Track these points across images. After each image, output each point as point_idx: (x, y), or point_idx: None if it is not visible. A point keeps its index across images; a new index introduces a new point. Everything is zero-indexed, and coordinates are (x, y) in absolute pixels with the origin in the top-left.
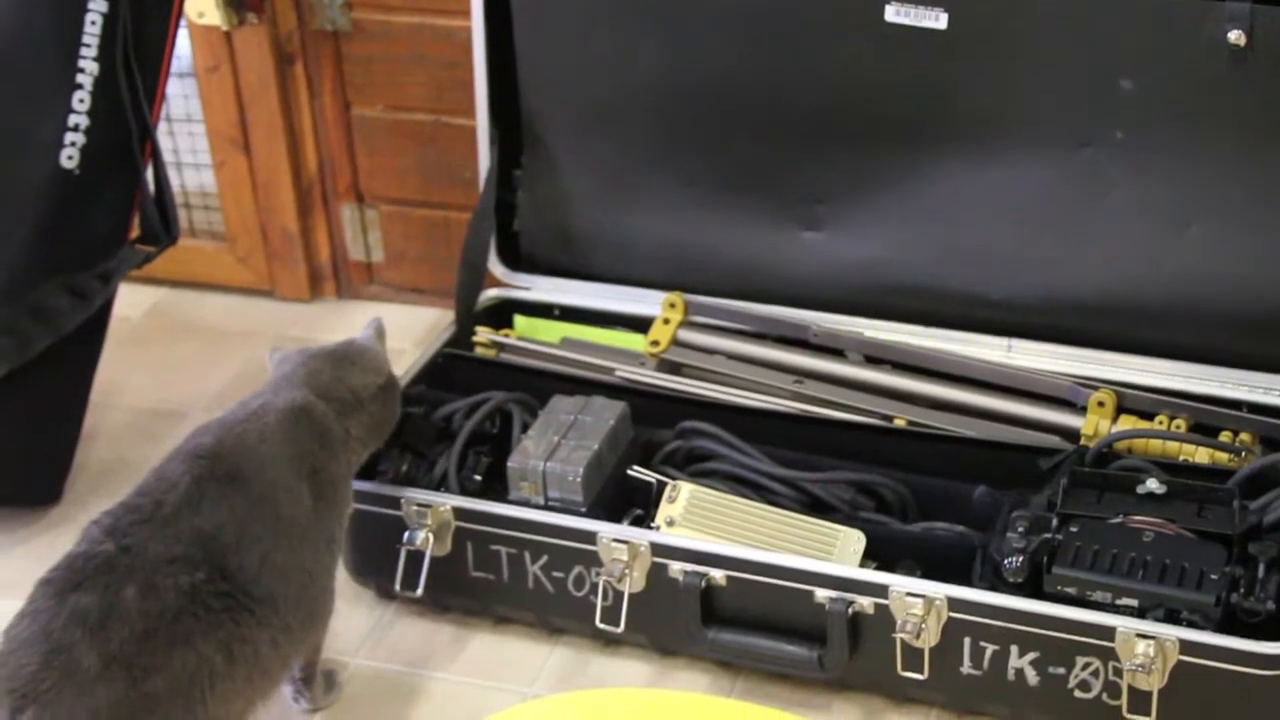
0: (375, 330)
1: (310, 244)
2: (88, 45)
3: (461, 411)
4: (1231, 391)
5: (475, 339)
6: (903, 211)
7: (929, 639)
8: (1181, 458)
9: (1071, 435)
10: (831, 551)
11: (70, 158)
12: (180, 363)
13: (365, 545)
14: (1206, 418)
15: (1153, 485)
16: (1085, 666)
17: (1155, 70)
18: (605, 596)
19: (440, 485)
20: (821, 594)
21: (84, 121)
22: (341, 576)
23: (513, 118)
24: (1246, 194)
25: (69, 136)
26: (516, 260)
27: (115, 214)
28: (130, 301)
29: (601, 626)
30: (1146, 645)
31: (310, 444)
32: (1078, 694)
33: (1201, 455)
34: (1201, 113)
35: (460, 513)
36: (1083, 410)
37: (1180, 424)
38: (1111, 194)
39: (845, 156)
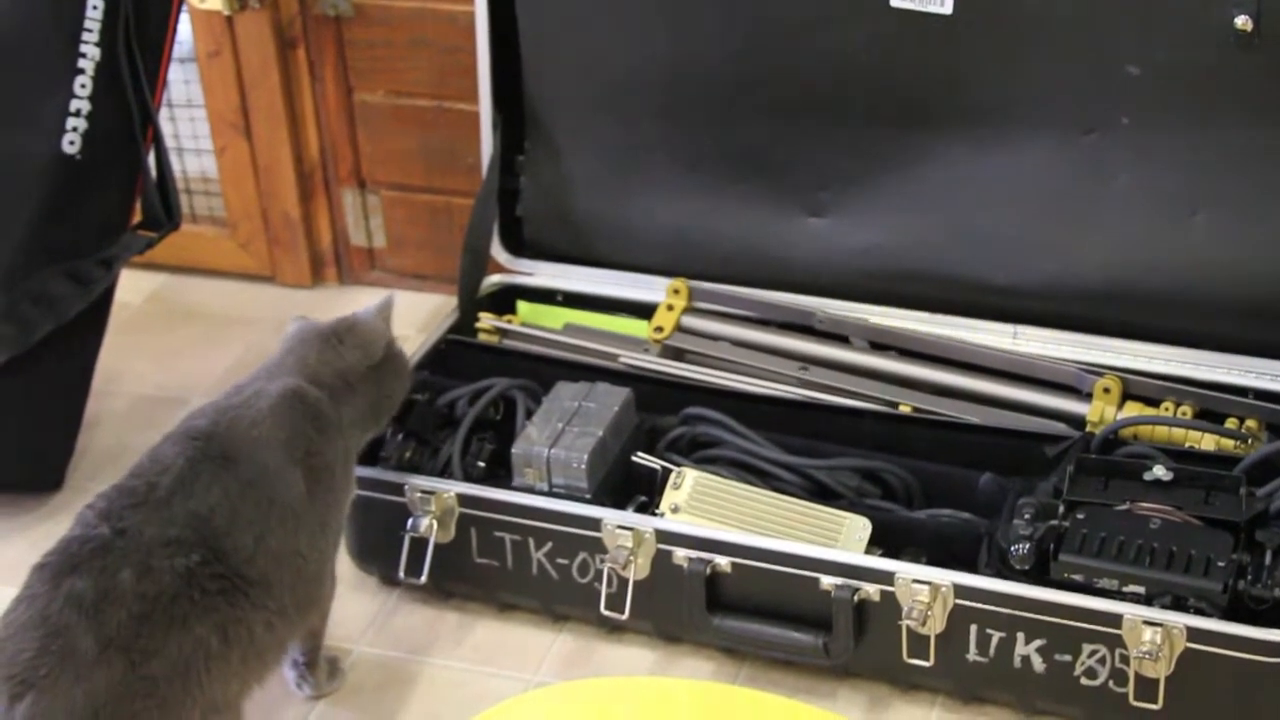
0: (379, 306)
1: (312, 230)
2: (89, 30)
3: (465, 398)
4: (1237, 378)
5: (478, 325)
6: (907, 197)
7: (935, 626)
8: (1187, 444)
9: (1077, 422)
10: (837, 538)
11: (72, 143)
12: (181, 349)
13: (369, 532)
14: (1212, 404)
15: (1159, 472)
16: (1092, 654)
17: (1161, 56)
18: (610, 583)
19: (444, 472)
20: (827, 581)
21: (85, 106)
22: (345, 563)
23: (516, 103)
24: (1253, 180)
25: (70, 121)
26: (519, 246)
27: (117, 199)
28: (131, 287)
29: (606, 614)
30: (1153, 632)
31: (303, 428)
32: (1084, 681)
33: (1207, 442)
34: (1207, 99)
35: (464, 499)
36: (1088, 397)
37: (1186, 410)
38: (1117, 180)
39: (850, 142)
